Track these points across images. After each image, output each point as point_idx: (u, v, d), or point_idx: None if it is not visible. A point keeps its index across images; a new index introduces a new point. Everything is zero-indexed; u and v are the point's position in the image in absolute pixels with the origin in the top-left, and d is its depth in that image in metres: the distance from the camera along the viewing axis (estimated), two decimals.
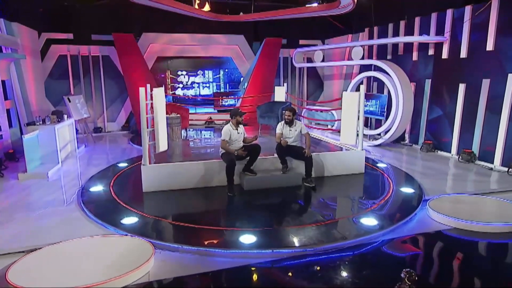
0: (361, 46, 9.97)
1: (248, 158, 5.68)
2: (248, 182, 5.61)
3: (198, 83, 12.61)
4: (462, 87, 7.72)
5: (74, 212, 4.86)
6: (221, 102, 12.65)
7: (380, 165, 7.27)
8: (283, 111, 6.11)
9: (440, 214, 4.60)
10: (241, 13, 9.95)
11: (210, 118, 12.12)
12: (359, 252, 3.95)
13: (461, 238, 4.29)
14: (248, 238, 4.00)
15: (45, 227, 4.40)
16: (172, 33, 11.84)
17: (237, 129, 5.64)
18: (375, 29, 10.30)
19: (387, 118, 9.13)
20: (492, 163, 7.04)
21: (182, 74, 12.04)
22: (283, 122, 6.01)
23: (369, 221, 4.51)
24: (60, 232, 4.20)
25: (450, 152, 8.08)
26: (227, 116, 12.34)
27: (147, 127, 7.36)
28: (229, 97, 12.90)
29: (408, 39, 8.67)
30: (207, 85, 12.79)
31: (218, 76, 12.90)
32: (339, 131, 10.72)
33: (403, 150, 8.95)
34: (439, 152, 8.38)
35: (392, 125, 8.94)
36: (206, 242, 3.95)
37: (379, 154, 8.35)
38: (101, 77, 11.42)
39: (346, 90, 10.85)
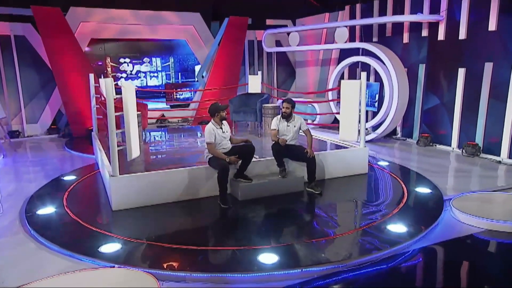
0: (345, 26, 10.34)
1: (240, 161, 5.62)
2: (243, 190, 5.55)
3: (145, 73, 12.19)
4: (461, 72, 8.34)
5: (25, 244, 4.43)
6: (175, 95, 12.35)
7: (382, 163, 7.62)
8: (281, 103, 6.14)
9: (470, 215, 4.92)
10: None
11: (163, 115, 11.80)
12: (393, 264, 4.10)
13: (502, 242, 4.58)
14: (268, 258, 3.96)
15: None
16: (109, 8, 11.31)
17: (221, 128, 5.56)
18: (357, 7, 10.75)
19: (379, 109, 9.59)
20: (499, 155, 7.71)
21: (125, 62, 11.55)
22: (279, 116, 6.04)
23: (395, 228, 4.69)
24: (17, 273, 3.80)
25: (450, 145, 8.70)
26: (182, 113, 12.22)
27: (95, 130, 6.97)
28: (185, 89, 12.62)
29: (400, 18, 9.17)
30: (155, 74, 12.41)
31: (168, 64, 12.58)
32: (321, 126, 11.12)
33: (397, 145, 9.46)
34: (438, 146, 8.99)
35: (386, 117, 9.40)
36: (217, 266, 3.85)
37: (373, 151, 8.72)
38: (15, 64, 10.55)
39: (327, 78, 11.23)
